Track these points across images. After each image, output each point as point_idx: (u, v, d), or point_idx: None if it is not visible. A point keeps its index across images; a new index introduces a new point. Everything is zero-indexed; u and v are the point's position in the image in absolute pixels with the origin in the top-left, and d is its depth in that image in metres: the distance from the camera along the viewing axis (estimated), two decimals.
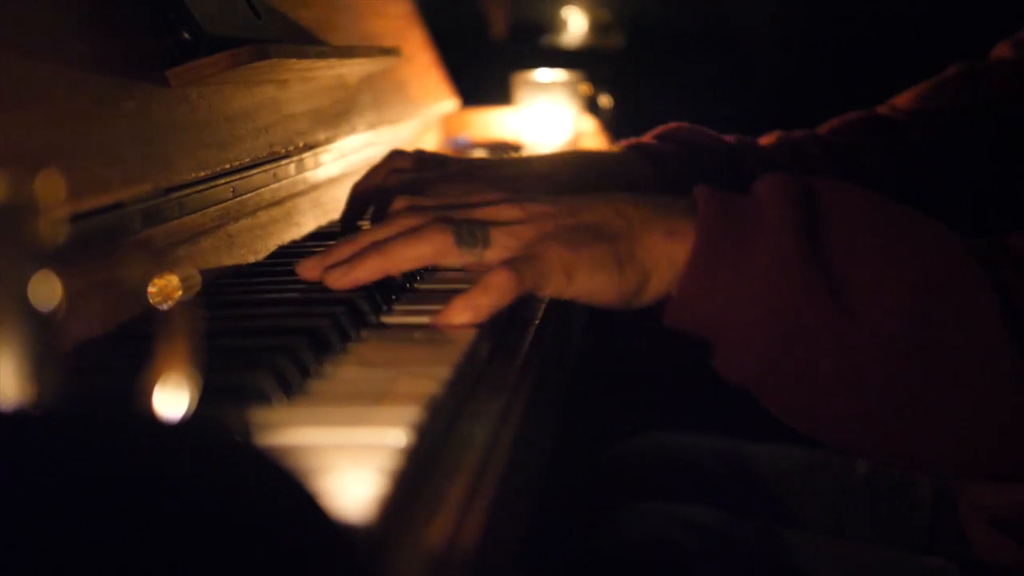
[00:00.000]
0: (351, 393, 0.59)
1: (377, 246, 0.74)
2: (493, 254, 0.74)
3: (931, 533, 1.10)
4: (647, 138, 1.13)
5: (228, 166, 0.89)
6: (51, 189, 0.44)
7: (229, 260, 0.89)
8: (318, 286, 0.82)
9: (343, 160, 1.20)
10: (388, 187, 1.02)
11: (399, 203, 0.81)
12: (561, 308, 0.86)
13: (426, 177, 1.01)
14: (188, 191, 0.83)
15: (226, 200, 0.91)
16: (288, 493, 0.37)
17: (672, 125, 1.15)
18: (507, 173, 1.05)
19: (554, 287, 0.73)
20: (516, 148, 1.68)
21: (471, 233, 0.74)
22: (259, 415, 0.55)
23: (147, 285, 0.53)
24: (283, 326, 0.68)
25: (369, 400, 0.57)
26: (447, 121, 1.73)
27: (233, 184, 0.92)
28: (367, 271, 0.74)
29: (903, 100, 1.25)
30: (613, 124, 1.74)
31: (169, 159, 0.80)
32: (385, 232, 0.76)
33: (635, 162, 1.09)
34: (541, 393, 0.79)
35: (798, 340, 0.70)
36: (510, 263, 0.72)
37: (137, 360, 0.46)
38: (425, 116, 1.60)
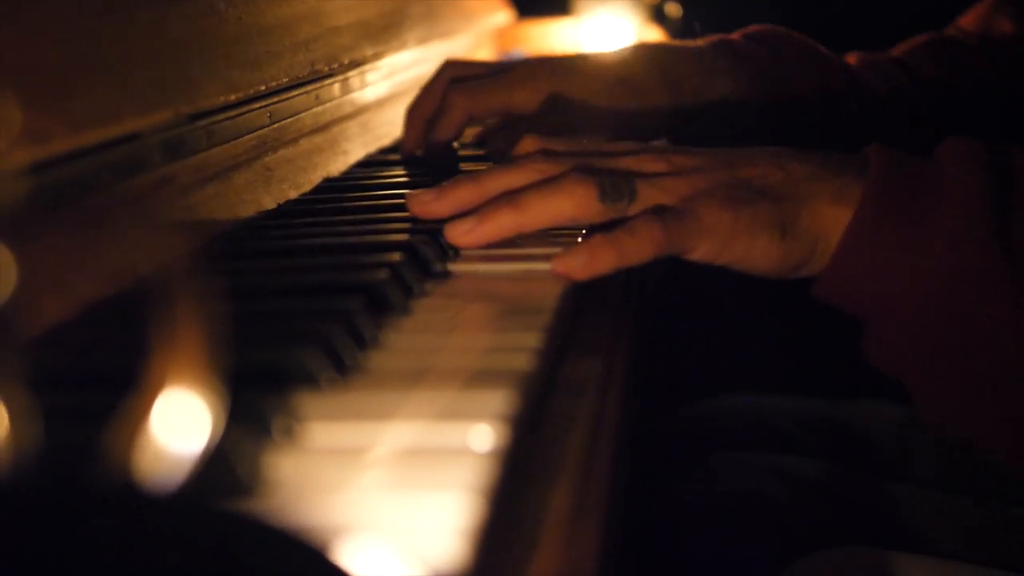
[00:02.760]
0: (417, 370, 0.47)
1: (510, 197, 0.63)
2: (637, 210, 0.63)
3: None
4: (736, 36, 1.00)
5: (263, 88, 0.77)
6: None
7: (267, 197, 0.78)
8: (370, 225, 0.71)
9: (392, 79, 1.07)
10: (453, 103, 0.91)
11: (527, 143, 0.70)
12: None
13: (483, 77, 0.93)
14: (217, 118, 0.71)
15: (262, 127, 0.78)
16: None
17: (761, 26, 1.02)
18: (572, 66, 0.95)
19: (705, 249, 0.62)
20: None
21: (615, 186, 0.63)
22: (304, 404, 0.43)
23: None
24: (334, 282, 0.56)
25: (441, 380, 0.46)
26: (501, 34, 1.60)
27: (270, 108, 0.80)
28: (499, 226, 0.63)
29: (968, 21, 1.12)
30: (682, 36, 1.61)
31: (193, 81, 0.68)
32: (517, 178, 0.65)
33: (720, 63, 0.97)
34: (637, 351, 0.67)
35: (968, 330, 0.60)
36: (660, 214, 0.61)
37: (127, 360, 0.34)
38: (479, 29, 1.47)
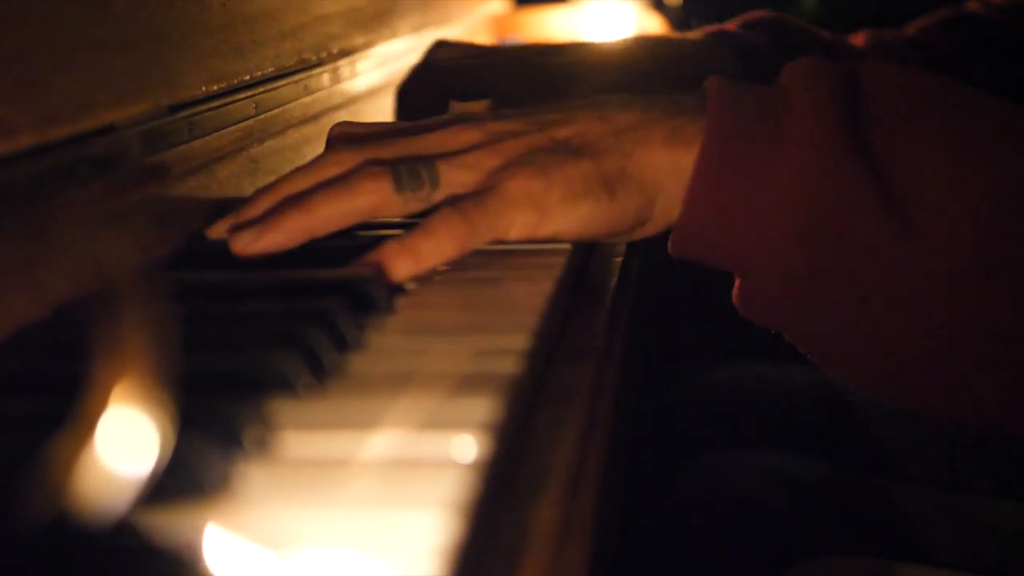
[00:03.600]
0: (399, 375, 0.45)
1: (297, 200, 0.58)
2: (443, 195, 0.58)
3: None
4: (731, 26, 0.98)
5: (248, 77, 0.75)
6: None
7: (252, 189, 0.75)
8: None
9: (384, 68, 1.05)
10: (437, 87, 0.89)
11: (331, 133, 0.65)
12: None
13: (471, 64, 0.90)
14: (199, 109, 0.69)
15: (247, 118, 0.76)
16: None
17: (758, 13, 0.99)
18: (562, 61, 0.92)
19: (521, 226, 0.57)
20: None
21: (413, 172, 0.57)
22: (279, 412, 0.41)
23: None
24: (314, 281, 0.54)
25: (423, 386, 0.44)
26: (498, 22, 1.57)
27: (256, 99, 0.77)
28: (283, 233, 0.57)
29: None
30: (682, 24, 1.58)
31: (173, 70, 0.65)
32: (305, 180, 0.59)
33: (719, 53, 0.94)
34: (633, 344, 0.65)
35: (839, 262, 0.55)
36: (457, 204, 0.56)
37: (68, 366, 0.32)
38: (475, 16, 1.45)
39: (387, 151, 0.60)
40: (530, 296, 0.55)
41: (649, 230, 0.60)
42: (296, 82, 0.85)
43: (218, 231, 0.62)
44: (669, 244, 0.60)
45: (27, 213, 0.51)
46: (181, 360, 0.38)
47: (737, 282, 0.59)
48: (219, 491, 0.36)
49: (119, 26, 0.62)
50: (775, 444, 1.03)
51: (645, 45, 0.95)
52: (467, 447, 0.38)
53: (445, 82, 0.95)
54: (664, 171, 0.58)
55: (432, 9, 1.23)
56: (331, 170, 0.59)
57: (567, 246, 0.62)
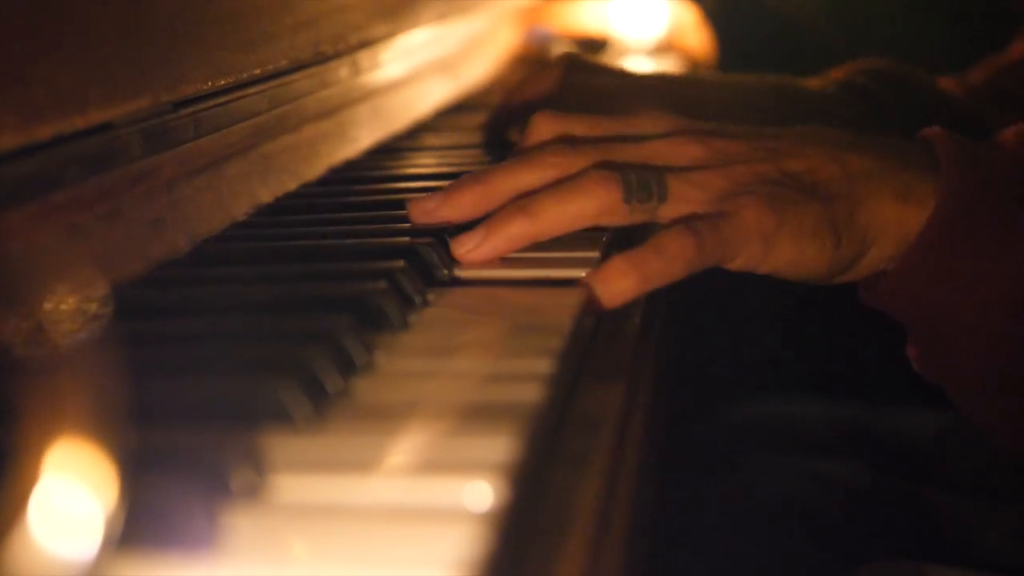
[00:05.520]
0: (409, 403, 0.41)
1: (522, 203, 0.56)
2: (671, 211, 0.56)
3: None
4: (854, 75, 0.91)
5: (259, 71, 0.71)
6: None
7: (264, 189, 0.71)
8: (372, 224, 0.65)
9: (407, 60, 1.01)
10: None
11: (540, 125, 0.62)
12: None
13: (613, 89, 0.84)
14: (206, 105, 0.65)
15: (259, 113, 0.72)
16: None
17: (877, 62, 0.93)
18: (701, 95, 0.86)
19: (746, 258, 0.55)
20: (602, 44, 1.48)
21: (644, 184, 0.56)
22: (274, 448, 0.37)
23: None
24: (321, 296, 0.50)
25: (434, 417, 0.39)
26: (526, 11, 1.53)
27: (268, 93, 0.73)
28: (509, 238, 0.56)
29: None
30: (717, 15, 1.53)
31: (176, 64, 0.61)
32: (529, 176, 0.58)
33: (854, 109, 0.88)
34: (663, 372, 0.61)
35: None
36: (692, 224, 0.54)
37: None
38: (502, 5, 1.40)
39: (613, 155, 0.58)
40: (558, 312, 0.50)
41: (849, 277, 0.59)
42: (312, 75, 0.81)
43: (427, 209, 0.59)
44: (862, 292, 0.60)
45: (10, 218, 0.47)
46: (159, 390, 0.34)
47: (917, 336, 0.59)
48: (202, 545, 0.32)
49: (114, 15, 0.58)
50: (812, 454, 0.99)
51: (778, 88, 0.89)
52: (480, 494, 0.34)
53: (589, 106, 0.89)
54: (889, 224, 0.57)
55: None
56: (553, 170, 0.58)
57: (596, 254, 0.58)
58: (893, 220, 0.57)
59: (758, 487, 0.92)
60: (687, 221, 0.55)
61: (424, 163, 0.84)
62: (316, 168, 0.80)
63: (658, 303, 0.60)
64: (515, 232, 0.56)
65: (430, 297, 0.53)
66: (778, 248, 0.55)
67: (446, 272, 0.56)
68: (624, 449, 0.44)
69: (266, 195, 0.71)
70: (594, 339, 0.53)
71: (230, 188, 0.68)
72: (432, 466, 0.36)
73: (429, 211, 0.59)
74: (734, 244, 0.55)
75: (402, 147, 0.91)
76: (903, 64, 0.92)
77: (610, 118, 0.63)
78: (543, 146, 0.60)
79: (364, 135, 0.90)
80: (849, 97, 0.88)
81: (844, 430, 1.02)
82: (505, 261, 0.57)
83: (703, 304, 1.16)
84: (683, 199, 0.56)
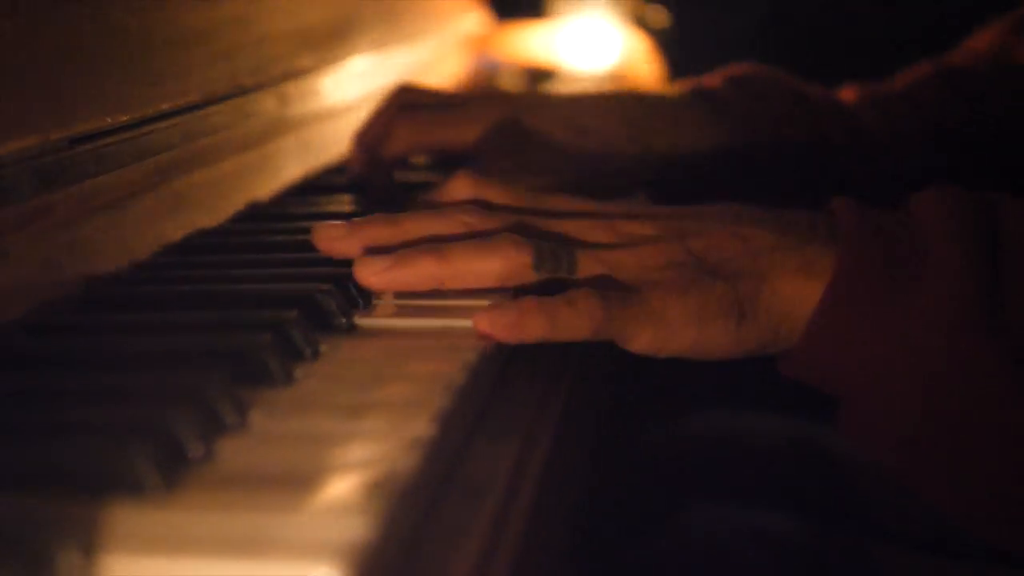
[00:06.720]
0: (269, 472, 0.39)
1: (434, 246, 0.56)
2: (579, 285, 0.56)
3: None
4: (715, 81, 0.92)
5: (167, 106, 0.69)
6: None
7: (172, 227, 0.69)
8: (274, 268, 0.62)
9: (342, 90, 0.99)
10: (397, 133, 0.85)
11: (459, 185, 0.63)
12: None
13: (435, 107, 0.87)
14: (108, 140, 0.63)
15: (171, 148, 0.70)
16: None
17: (743, 68, 0.94)
18: (532, 107, 0.88)
19: (648, 339, 0.55)
20: (551, 74, 1.47)
21: (554, 254, 0.56)
22: (113, 523, 0.34)
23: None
24: (197, 348, 0.47)
25: (291, 489, 0.37)
26: (474, 40, 1.51)
27: (181, 127, 0.71)
28: (417, 275, 0.55)
29: (982, 42, 1.03)
30: (669, 45, 1.52)
31: (69, 99, 0.59)
32: (441, 226, 0.58)
33: (697, 113, 0.89)
34: (576, 412, 0.59)
35: (956, 411, 0.54)
36: (602, 292, 0.54)
37: None
38: (448, 32, 1.38)
39: (526, 225, 0.59)
40: (450, 366, 0.48)
41: (771, 352, 0.59)
42: (233, 108, 0.78)
43: (333, 236, 0.58)
44: (779, 364, 0.59)
45: None
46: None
47: (845, 409, 0.58)
48: None
49: (9, 48, 0.56)
50: (756, 496, 0.97)
51: (614, 107, 0.90)
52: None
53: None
54: (794, 300, 0.57)
55: (398, 24, 1.17)
56: (465, 228, 0.58)
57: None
58: (797, 295, 0.56)
59: (696, 542, 0.90)
60: (599, 285, 0.54)
61: (344, 200, 0.82)
62: (235, 203, 0.77)
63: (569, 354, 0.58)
64: (423, 271, 0.55)
65: (323, 348, 0.51)
66: (681, 331, 0.55)
67: (344, 320, 0.54)
68: (509, 517, 0.42)
69: (176, 233, 0.69)
70: (494, 391, 0.51)
71: (135, 227, 0.66)
72: (278, 547, 0.33)
73: (333, 238, 0.58)
74: (638, 323, 0.54)
75: (331, 183, 0.89)
76: (774, 71, 0.94)
77: (527, 193, 0.63)
78: (458, 204, 0.60)
79: (291, 167, 0.88)
80: (700, 107, 0.90)
81: (784, 481, 1.01)
82: (404, 310, 0.56)
83: None
84: (592, 275, 0.56)
